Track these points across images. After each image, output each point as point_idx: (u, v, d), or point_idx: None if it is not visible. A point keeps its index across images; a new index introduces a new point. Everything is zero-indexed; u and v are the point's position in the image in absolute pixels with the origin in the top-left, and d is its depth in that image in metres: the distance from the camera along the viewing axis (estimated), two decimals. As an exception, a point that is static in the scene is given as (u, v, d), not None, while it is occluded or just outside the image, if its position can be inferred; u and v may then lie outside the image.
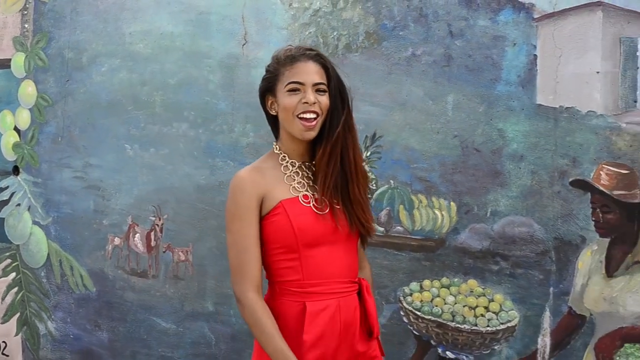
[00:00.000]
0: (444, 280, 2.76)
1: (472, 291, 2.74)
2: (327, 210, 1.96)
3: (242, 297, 1.92)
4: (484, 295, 2.72)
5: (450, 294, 2.75)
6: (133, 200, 3.37)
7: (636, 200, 2.51)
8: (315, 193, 1.99)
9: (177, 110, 3.25)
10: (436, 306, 2.78)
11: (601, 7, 2.55)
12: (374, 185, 2.86)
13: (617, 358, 2.54)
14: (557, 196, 2.61)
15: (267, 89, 2.03)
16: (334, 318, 1.95)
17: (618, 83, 2.54)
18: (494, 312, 2.70)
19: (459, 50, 2.74)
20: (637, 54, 2.53)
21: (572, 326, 2.61)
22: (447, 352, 2.77)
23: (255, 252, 1.95)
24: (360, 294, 2.05)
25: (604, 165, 2.54)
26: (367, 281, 2.10)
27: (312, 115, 1.94)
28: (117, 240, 3.39)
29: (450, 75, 2.73)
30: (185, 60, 3.24)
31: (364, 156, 2.84)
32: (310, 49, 2.01)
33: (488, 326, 2.70)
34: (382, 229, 2.85)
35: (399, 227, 2.84)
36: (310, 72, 1.96)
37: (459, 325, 2.74)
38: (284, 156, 2.04)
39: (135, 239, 3.35)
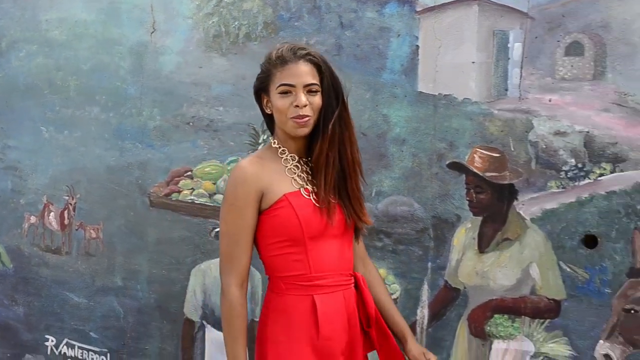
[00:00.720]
0: (333, 256, 2.90)
1: (358, 266, 2.89)
2: (326, 205, 1.95)
3: (226, 289, 1.93)
4: (369, 270, 2.87)
5: (338, 269, 2.90)
6: (48, 181, 3.43)
7: (506, 182, 2.65)
8: (314, 187, 1.97)
9: (89, 94, 3.32)
10: (326, 280, 2.92)
11: (477, 1, 2.69)
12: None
13: (488, 328, 2.68)
14: (435, 177, 2.75)
15: (261, 88, 2.02)
16: (342, 310, 1.97)
17: (491, 73, 2.68)
18: (377, 286, 2.86)
19: (349, 40, 2.87)
20: (509, 45, 2.66)
21: (447, 299, 2.75)
22: (335, 323, 2.91)
23: (247, 245, 1.94)
24: (357, 286, 2.05)
25: (477, 149, 2.69)
26: (361, 274, 2.10)
27: (304, 119, 1.92)
28: (33, 219, 3.46)
29: (340, 64, 2.82)
30: (97, 47, 3.30)
31: (260, 140, 3.01)
32: (302, 48, 1.97)
33: (372, 299, 2.86)
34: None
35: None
36: (301, 74, 1.92)
37: (346, 298, 2.89)
38: (284, 150, 2.02)
39: (50, 217, 3.42)
